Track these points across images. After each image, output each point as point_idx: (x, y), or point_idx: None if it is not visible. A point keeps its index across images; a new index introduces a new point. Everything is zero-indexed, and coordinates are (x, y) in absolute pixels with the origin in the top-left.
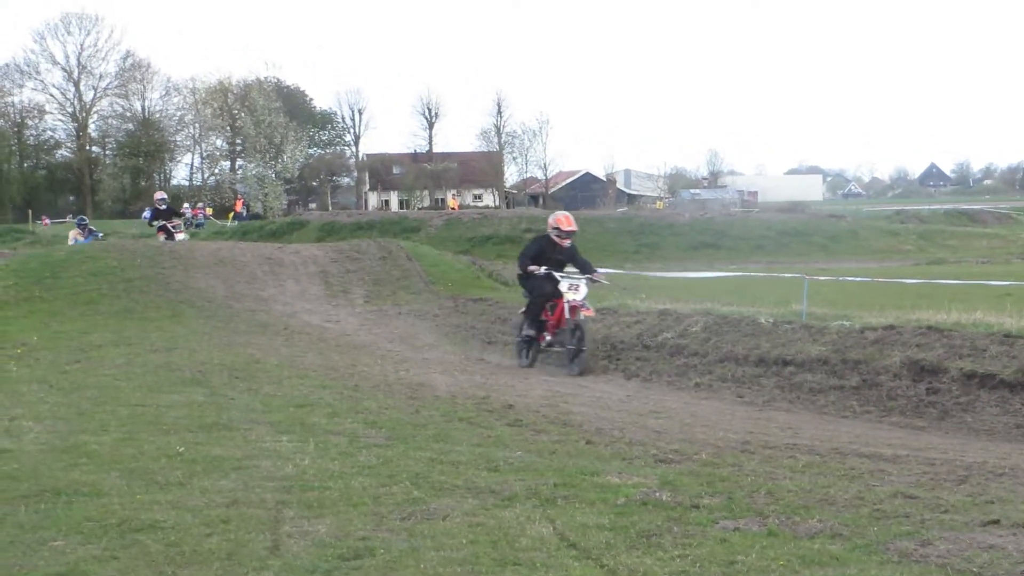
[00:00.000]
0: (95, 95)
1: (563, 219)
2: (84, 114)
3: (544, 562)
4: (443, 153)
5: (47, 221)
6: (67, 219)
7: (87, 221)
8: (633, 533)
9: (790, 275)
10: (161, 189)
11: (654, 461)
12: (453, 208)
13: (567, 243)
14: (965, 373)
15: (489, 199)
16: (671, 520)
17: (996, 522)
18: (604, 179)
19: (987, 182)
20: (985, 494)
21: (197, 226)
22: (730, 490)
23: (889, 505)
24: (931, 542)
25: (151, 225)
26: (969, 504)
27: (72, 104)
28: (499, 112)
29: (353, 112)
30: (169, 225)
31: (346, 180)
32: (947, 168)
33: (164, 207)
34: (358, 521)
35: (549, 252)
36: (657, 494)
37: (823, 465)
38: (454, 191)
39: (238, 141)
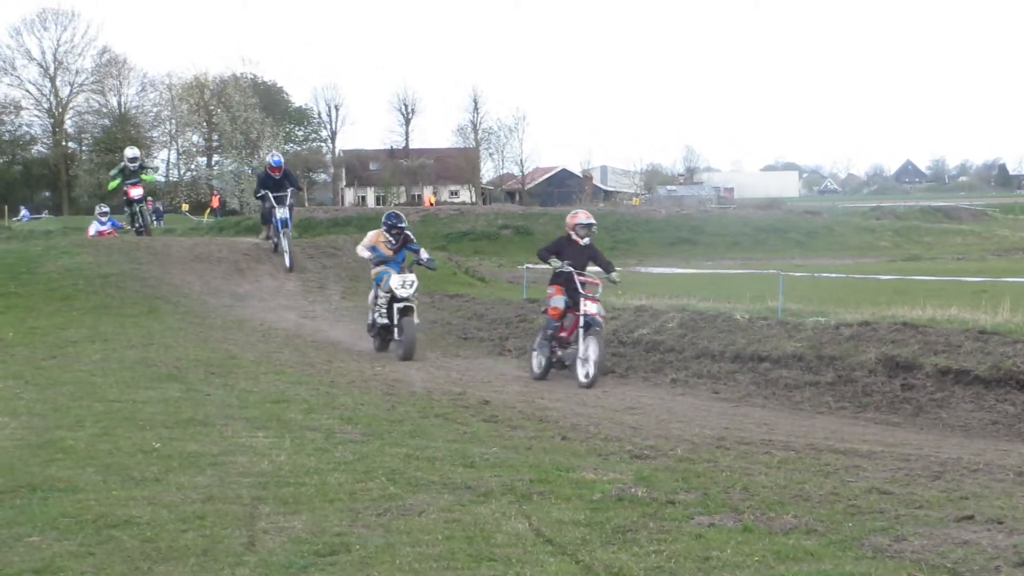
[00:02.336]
0: (71, 91)
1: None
2: (60, 110)
3: (520, 558)
4: (420, 149)
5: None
6: (43, 215)
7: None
8: (608, 529)
9: (766, 271)
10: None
11: (630, 457)
12: (429, 204)
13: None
14: (940, 369)
15: (466, 195)
16: (646, 516)
17: (970, 518)
18: (580, 175)
19: (963, 179)
20: (960, 490)
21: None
22: (705, 486)
23: (864, 501)
24: (905, 537)
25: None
26: (944, 500)
27: (48, 100)
28: (475, 108)
29: (330, 108)
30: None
31: (323, 176)
32: (923, 165)
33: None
34: (334, 517)
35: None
36: (633, 490)
37: (798, 461)
38: (431, 187)
39: (214, 137)
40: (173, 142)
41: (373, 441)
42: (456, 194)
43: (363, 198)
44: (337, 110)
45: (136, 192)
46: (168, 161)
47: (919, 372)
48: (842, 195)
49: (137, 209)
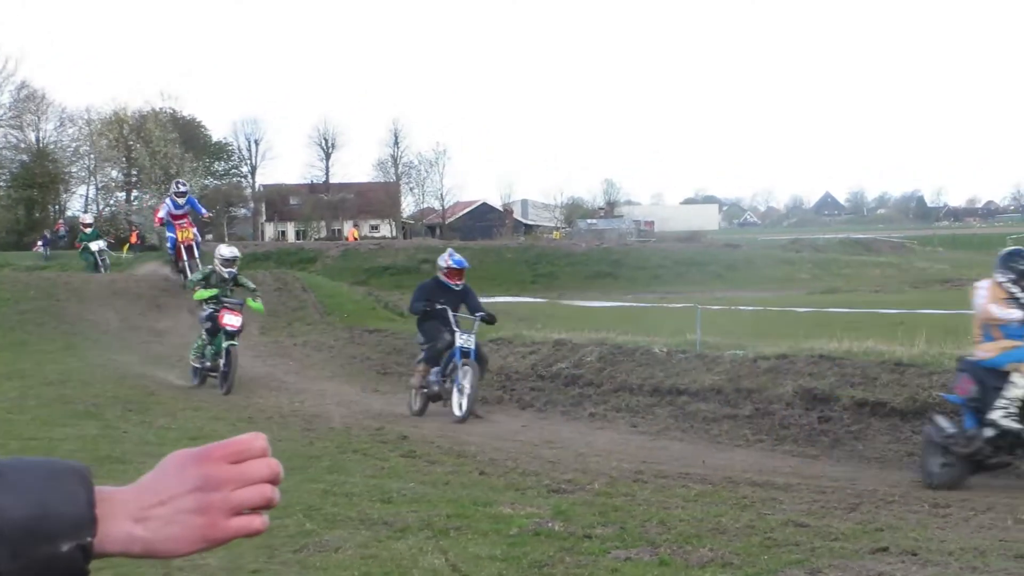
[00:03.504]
0: None
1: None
2: None
3: None
4: (340, 184)
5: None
6: None
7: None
8: (525, 563)
9: (684, 305)
10: (60, 220)
11: (547, 491)
12: (353, 239)
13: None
14: (856, 401)
15: (386, 229)
16: (563, 550)
17: (885, 549)
18: (501, 209)
19: (881, 211)
20: (875, 522)
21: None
22: (623, 520)
23: (780, 533)
24: (821, 570)
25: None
26: (859, 532)
27: None
28: (396, 142)
29: (249, 143)
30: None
31: (243, 211)
32: (842, 197)
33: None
34: (249, 554)
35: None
36: (550, 524)
37: (715, 494)
38: (351, 222)
39: (133, 172)
40: (92, 177)
41: (290, 477)
42: (376, 228)
43: (283, 233)
44: (257, 144)
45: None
46: (87, 196)
47: (836, 404)
48: (762, 228)
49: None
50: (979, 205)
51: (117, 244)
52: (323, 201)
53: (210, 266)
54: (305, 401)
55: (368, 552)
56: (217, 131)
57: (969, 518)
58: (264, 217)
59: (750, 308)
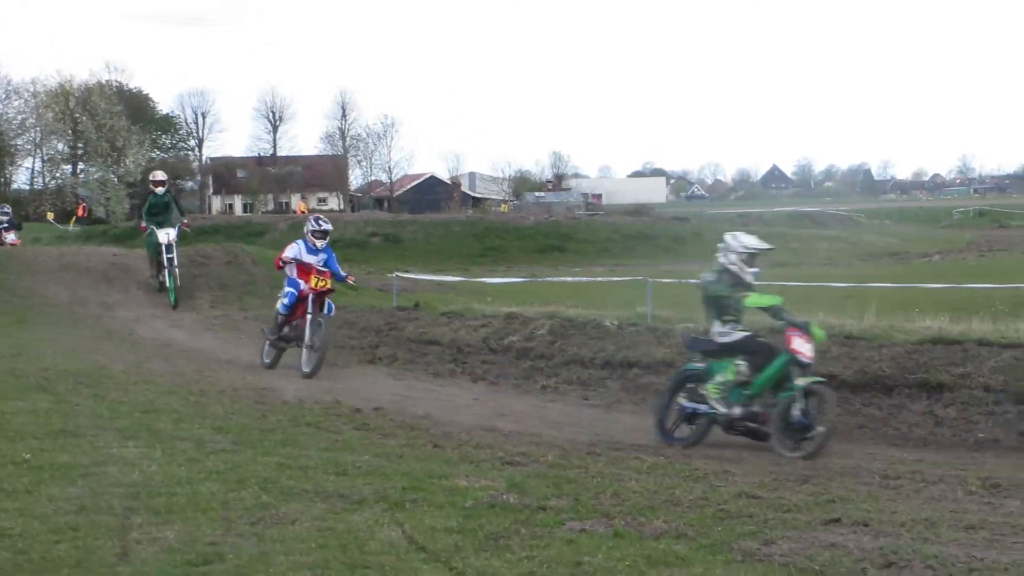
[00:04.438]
0: None
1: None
2: None
3: (393, 565)
4: (288, 156)
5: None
6: None
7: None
8: (481, 535)
9: (634, 278)
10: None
11: (501, 464)
12: (302, 212)
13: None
14: None
15: (334, 202)
16: (518, 522)
17: (837, 520)
18: (449, 182)
19: (828, 184)
20: (827, 493)
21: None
22: (576, 492)
23: (733, 505)
24: (774, 541)
25: None
26: (811, 503)
27: None
28: (344, 115)
29: (196, 115)
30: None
31: (190, 184)
32: (789, 170)
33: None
34: (207, 527)
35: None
36: (504, 496)
37: (668, 466)
38: (299, 195)
39: (80, 145)
40: (38, 150)
41: (245, 450)
42: (324, 201)
43: (231, 206)
44: (204, 117)
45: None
46: (33, 169)
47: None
48: (709, 200)
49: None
50: (926, 178)
51: (64, 217)
52: (271, 174)
53: None
54: (257, 375)
55: (324, 525)
56: (164, 104)
57: (920, 490)
58: (211, 190)
59: (698, 281)
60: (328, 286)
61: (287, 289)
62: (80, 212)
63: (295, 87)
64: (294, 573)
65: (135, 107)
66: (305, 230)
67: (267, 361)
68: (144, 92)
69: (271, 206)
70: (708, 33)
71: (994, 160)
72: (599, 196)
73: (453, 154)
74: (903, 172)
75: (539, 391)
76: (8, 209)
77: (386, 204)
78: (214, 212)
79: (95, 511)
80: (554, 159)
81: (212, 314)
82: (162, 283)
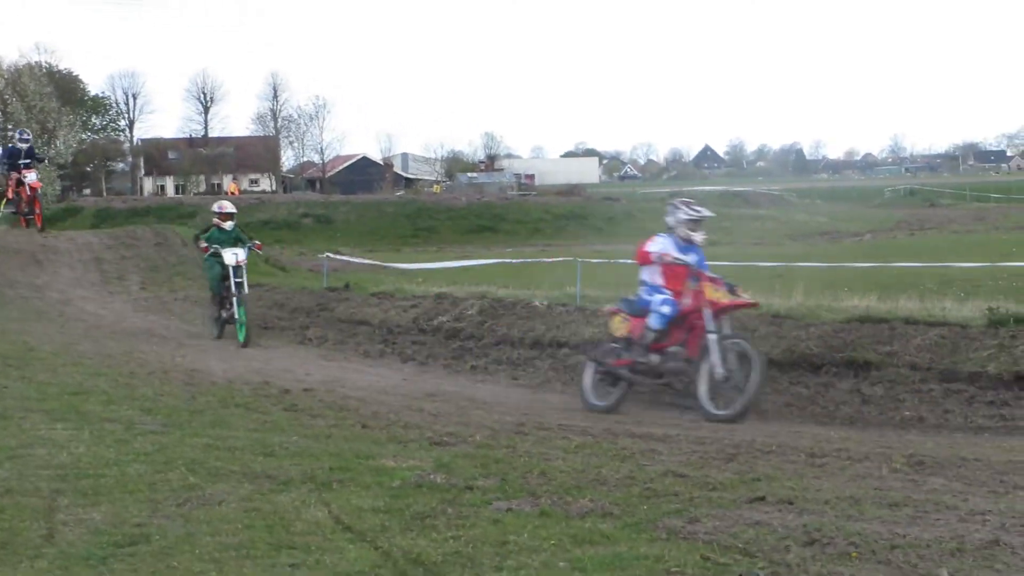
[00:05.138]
0: None
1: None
2: None
3: (319, 545)
4: (219, 138)
5: None
6: None
7: None
8: (408, 515)
9: (565, 259)
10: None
11: (429, 444)
12: (233, 193)
13: (228, 225)
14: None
15: (266, 184)
16: (445, 502)
17: (762, 499)
18: (381, 163)
19: (760, 164)
20: (752, 472)
21: None
22: (504, 472)
23: (659, 484)
24: (699, 519)
25: None
26: (736, 482)
27: None
28: (275, 96)
29: (127, 96)
30: None
31: (121, 166)
32: (721, 150)
33: None
34: (134, 508)
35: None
36: (432, 476)
37: (596, 446)
38: (231, 176)
39: (9, 126)
40: None
41: (173, 431)
42: (256, 183)
43: (162, 187)
44: (135, 98)
45: None
46: None
47: None
48: (642, 181)
49: None
50: (857, 158)
51: None
52: (202, 155)
53: None
54: (187, 356)
55: (251, 505)
56: (94, 85)
57: (845, 467)
58: (143, 172)
59: (629, 261)
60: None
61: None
62: (9, 194)
63: (226, 68)
64: (220, 553)
65: (65, 89)
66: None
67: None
68: (74, 74)
69: (203, 187)
70: (640, 13)
71: (926, 140)
72: (532, 177)
73: (386, 135)
74: (835, 152)
75: (468, 372)
76: (28, 136)
77: (318, 185)
78: (146, 194)
79: (21, 493)
80: (487, 140)
81: (142, 295)
82: (227, 319)
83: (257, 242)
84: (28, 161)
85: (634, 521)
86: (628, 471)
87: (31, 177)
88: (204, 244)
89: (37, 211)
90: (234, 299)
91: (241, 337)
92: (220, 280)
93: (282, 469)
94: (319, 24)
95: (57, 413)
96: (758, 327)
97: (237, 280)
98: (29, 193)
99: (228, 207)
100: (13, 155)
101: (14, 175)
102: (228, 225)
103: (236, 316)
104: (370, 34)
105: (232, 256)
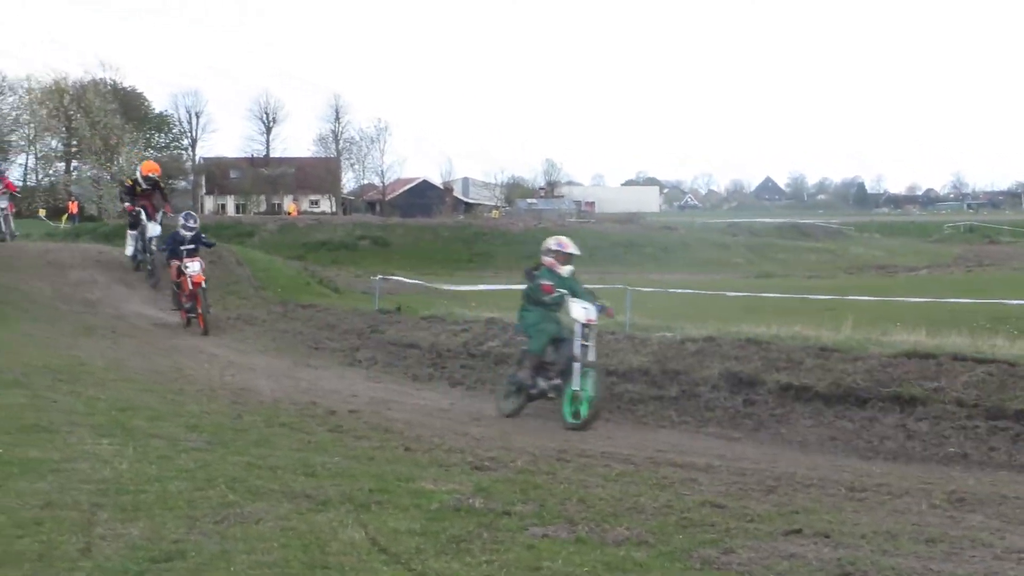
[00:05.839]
0: None
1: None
2: None
3: (353, 566)
4: (280, 158)
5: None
6: None
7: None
8: (443, 538)
9: (615, 286)
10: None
11: (470, 468)
12: (293, 213)
13: (193, 227)
14: (781, 385)
15: (326, 205)
16: (482, 526)
17: (798, 531)
18: (441, 187)
19: (821, 197)
20: (791, 504)
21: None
22: (542, 497)
23: (697, 514)
24: (734, 550)
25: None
26: (774, 514)
27: None
28: (337, 118)
29: (190, 115)
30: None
31: (183, 184)
32: (782, 182)
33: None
34: (172, 524)
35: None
36: (470, 500)
37: (636, 474)
38: (291, 196)
39: (73, 142)
40: (31, 147)
41: (217, 449)
42: (316, 203)
43: (223, 206)
44: (198, 117)
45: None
46: (26, 166)
47: (761, 388)
48: (702, 211)
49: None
50: (919, 192)
51: (56, 214)
52: (263, 175)
53: None
54: (235, 374)
55: (288, 524)
56: (158, 103)
57: (884, 502)
58: (204, 190)
59: (681, 291)
60: None
61: None
62: (72, 209)
63: (289, 89)
64: (254, 572)
65: (129, 105)
66: None
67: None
68: (138, 91)
69: (263, 207)
70: (705, 44)
71: (988, 176)
72: (592, 204)
73: (446, 159)
74: (897, 186)
75: None
76: (195, 221)
77: (378, 208)
78: (206, 212)
79: (61, 507)
80: (547, 166)
81: None
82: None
83: (610, 307)
84: (193, 247)
85: (669, 550)
86: (666, 500)
87: (194, 268)
88: (545, 283)
89: (199, 310)
90: (576, 366)
91: (583, 413)
92: (548, 340)
93: (322, 489)
94: (383, 47)
95: (103, 428)
96: (804, 359)
97: (584, 343)
98: (191, 287)
99: (570, 246)
100: (177, 241)
101: (175, 263)
102: (566, 270)
103: (576, 388)
104: (435, 58)
105: (582, 311)
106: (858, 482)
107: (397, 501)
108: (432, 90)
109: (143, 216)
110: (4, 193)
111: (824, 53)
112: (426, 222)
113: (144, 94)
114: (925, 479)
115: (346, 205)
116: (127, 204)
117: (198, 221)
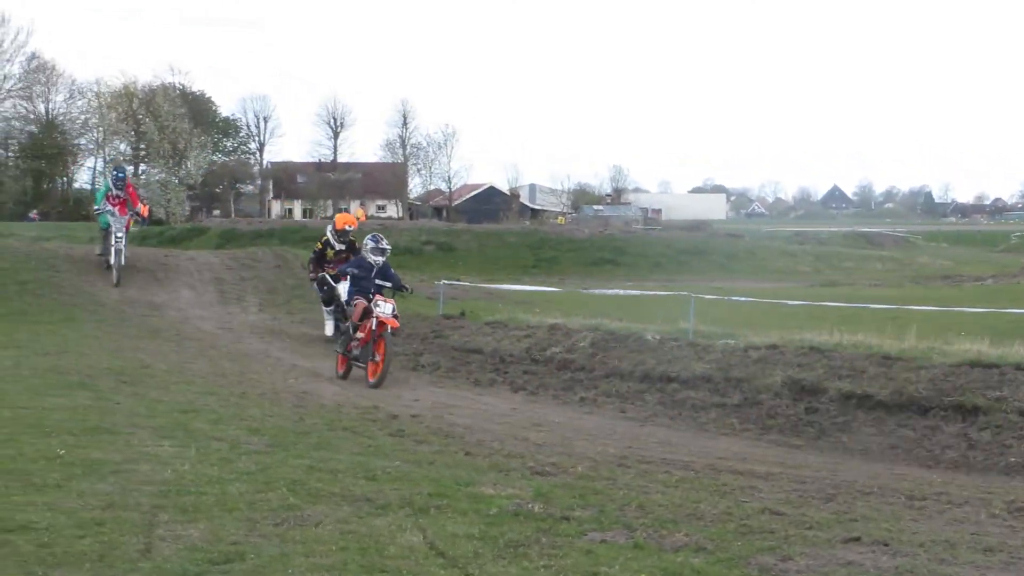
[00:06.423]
0: None
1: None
2: None
3: (411, 570)
4: (347, 163)
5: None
6: None
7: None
8: (501, 543)
9: (679, 293)
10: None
11: (530, 473)
12: (360, 219)
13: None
14: (843, 393)
15: (393, 210)
16: (540, 531)
17: (857, 539)
18: (508, 193)
19: (889, 205)
20: (850, 512)
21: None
22: (602, 503)
23: (756, 521)
24: (791, 557)
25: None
26: (833, 521)
27: None
28: (404, 123)
29: (258, 119)
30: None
31: (250, 188)
32: (850, 190)
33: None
34: (231, 526)
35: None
36: (529, 505)
37: (696, 481)
38: (358, 201)
39: (142, 146)
40: (100, 150)
41: (277, 452)
42: (383, 209)
43: (290, 211)
44: (266, 122)
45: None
46: (95, 169)
47: (823, 396)
48: (769, 219)
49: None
50: (987, 202)
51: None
52: (330, 180)
53: None
54: (299, 378)
55: (347, 528)
56: (226, 107)
57: (944, 511)
58: (271, 194)
59: (745, 299)
60: None
61: None
62: (143, 212)
63: (357, 94)
64: (313, 574)
65: (197, 110)
66: None
67: None
68: (206, 95)
69: (330, 212)
70: (773, 53)
71: None
72: (659, 211)
73: (513, 165)
74: (964, 196)
75: (577, 403)
76: (386, 243)
77: (444, 213)
78: (273, 216)
79: (122, 507)
80: (614, 173)
81: (259, 317)
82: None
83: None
84: (385, 284)
85: (727, 557)
86: (726, 507)
87: (386, 310)
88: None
89: (379, 357)
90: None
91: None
92: None
93: (381, 493)
94: (451, 52)
95: (165, 430)
96: (867, 368)
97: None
98: (377, 330)
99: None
100: (363, 267)
101: (361, 302)
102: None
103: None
104: (502, 65)
105: None
106: (918, 491)
107: (456, 505)
108: (500, 96)
109: (331, 281)
110: (131, 214)
111: (894, 63)
112: (492, 228)
113: (212, 99)
114: (985, 488)
115: (412, 210)
116: (311, 275)
117: (389, 243)
